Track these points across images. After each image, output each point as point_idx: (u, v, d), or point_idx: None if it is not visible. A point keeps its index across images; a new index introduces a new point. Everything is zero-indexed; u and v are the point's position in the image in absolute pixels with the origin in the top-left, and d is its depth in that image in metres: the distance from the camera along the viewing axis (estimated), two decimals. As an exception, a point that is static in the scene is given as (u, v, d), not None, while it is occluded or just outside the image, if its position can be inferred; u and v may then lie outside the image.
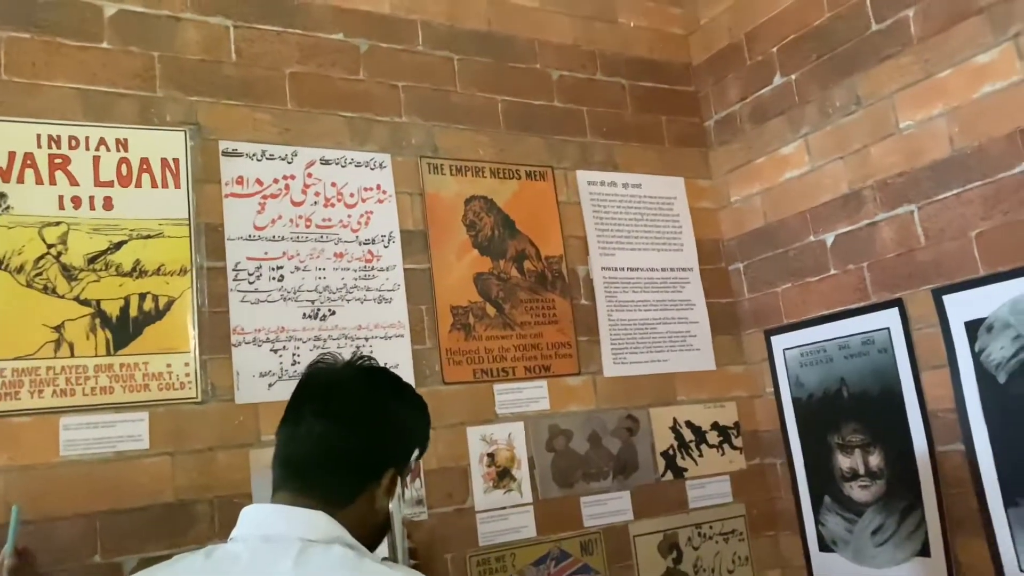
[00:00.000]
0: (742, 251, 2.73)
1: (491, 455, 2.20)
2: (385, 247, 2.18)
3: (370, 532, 1.17)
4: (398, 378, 1.31)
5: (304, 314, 2.04)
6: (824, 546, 2.45)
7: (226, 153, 2.04)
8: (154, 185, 1.93)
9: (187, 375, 1.87)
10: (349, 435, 1.17)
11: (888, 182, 2.26)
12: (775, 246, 2.61)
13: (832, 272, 2.43)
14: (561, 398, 2.33)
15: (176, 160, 1.96)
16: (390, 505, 1.22)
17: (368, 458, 1.18)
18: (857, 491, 2.35)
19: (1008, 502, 1.97)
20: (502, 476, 2.20)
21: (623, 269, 2.53)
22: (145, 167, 1.92)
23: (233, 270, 1.98)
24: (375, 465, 1.19)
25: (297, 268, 2.05)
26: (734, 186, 2.76)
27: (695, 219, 2.72)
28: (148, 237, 1.90)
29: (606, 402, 2.40)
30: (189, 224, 1.95)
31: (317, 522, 1.08)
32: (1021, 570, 1.95)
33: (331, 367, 1.25)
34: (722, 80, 2.80)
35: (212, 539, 1.74)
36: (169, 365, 1.86)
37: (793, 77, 2.55)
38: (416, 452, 1.28)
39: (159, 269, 1.89)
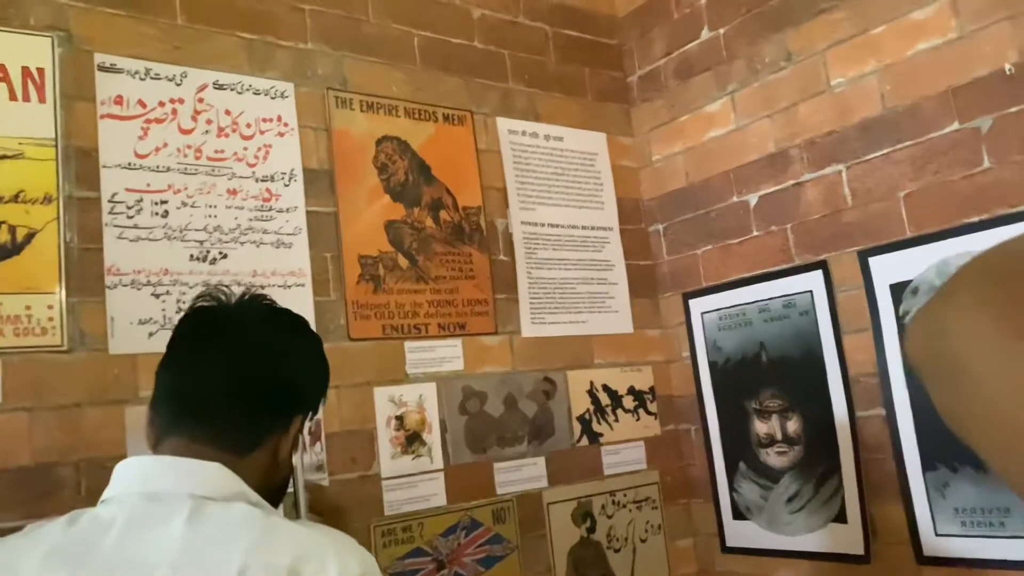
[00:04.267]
0: (662, 212, 2.64)
1: (400, 418, 2.03)
2: (285, 186, 1.96)
3: (271, 489, 0.99)
4: (301, 317, 1.15)
5: (191, 256, 1.80)
6: (738, 514, 2.40)
7: (103, 68, 1.77)
8: (12, 97, 1.64)
9: (50, 319, 1.61)
10: (257, 370, 1.00)
11: (816, 141, 2.21)
12: (696, 207, 2.53)
13: (755, 234, 2.37)
14: (476, 358, 2.17)
15: (41, 70, 1.68)
16: (295, 459, 1.05)
17: (277, 399, 1.01)
18: (774, 457, 2.30)
19: (927, 466, 1.95)
20: (411, 441, 2.03)
21: (544, 225, 2.39)
22: (1, 75, 1.64)
23: (109, 202, 1.72)
24: (283, 408, 1.02)
25: (184, 204, 1.81)
26: (656, 145, 2.66)
27: (616, 177, 2.61)
28: (4, 157, 1.61)
29: (523, 363, 2.26)
30: (56, 146, 1.67)
31: (213, 475, 0.90)
32: (937, 534, 1.93)
33: (225, 304, 1.08)
34: (647, 33, 2.69)
35: (77, 507, 1.50)
36: (28, 307, 1.59)
37: (721, 31, 2.46)
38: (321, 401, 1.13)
39: (17, 196, 1.62)
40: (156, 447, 0.97)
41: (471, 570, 2.05)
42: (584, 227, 2.49)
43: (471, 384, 2.15)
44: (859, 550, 2.08)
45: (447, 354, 2.12)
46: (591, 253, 2.48)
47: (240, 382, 0.99)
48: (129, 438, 1.64)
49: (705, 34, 2.51)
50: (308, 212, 1.98)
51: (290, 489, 1.16)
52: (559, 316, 2.36)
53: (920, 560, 1.96)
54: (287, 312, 1.15)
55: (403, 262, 2.11)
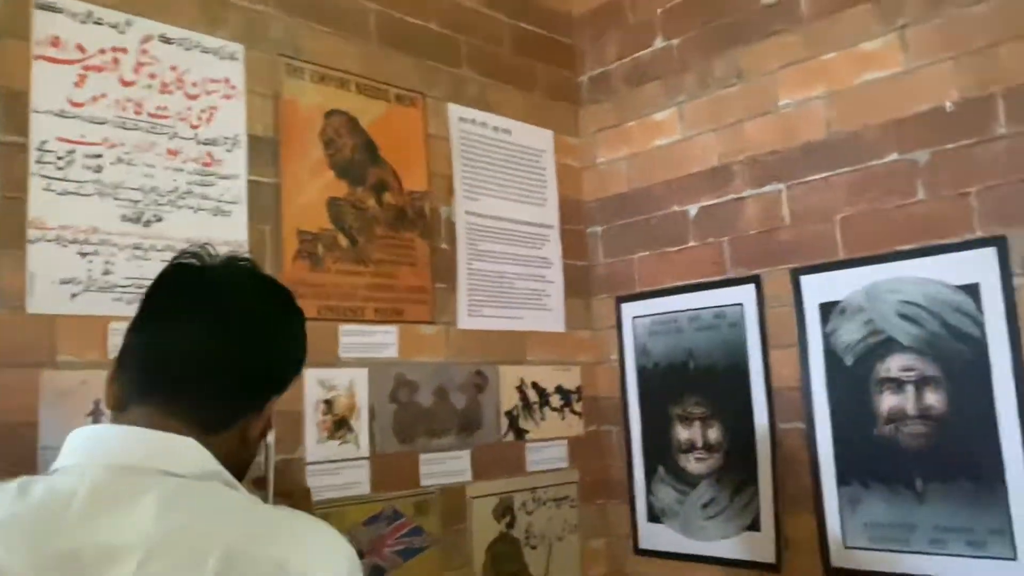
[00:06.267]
0: (602, 214, 2.65)
1: (328, 402, 1.96)
2: (228, 151, 1.87)
3: (237, 472, 0.92)
4: (287, 289, 1.06)
5: (124, 216, 1.69)
6: (653, 516, 2.44)
7: (41, 5, 1.64)
8: (-62, 26, 1.51)
9: (-37, 271, 1.48)
10: (244, 343, 0.92)
11: (759, 159, 2.26)
12: (636, 212, 2.55)
13: (691, 244, 2.40)
14: (411, 346, 2.13)
15: (-29, 0, 1.55)
16: (269, 439, 0.99)
17: (258, 376, 0.94)
18: (693, 463, 2.35)
19: (841, 480, 2.03)
20: (339, 426, 1.97)
21: (487, 216, 2.36)
22: (-73, 0, 1.50)
23: (38, 150, 1.60)
24: (262, 386, 0.95)
25: (120, 160, 1.70)
26: (601, 147, 2.67)
27: (560, 176, 2.61)
28: (-77, 90, 1.48)
29: (457, 355, 2.23)
30: (-18, 83, 1.54)
31: (187, 451, 0.83)
32: (846, 546, 2.01)
33: (210, 265, 0.99)
34: (601, 36, 2.69)
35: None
36: (-61, 256, 1.46)
37: (675, 42, 2.49)
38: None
39: (-65, 133, 1.48)
40: (117, 412, 0.88)
41: (390, 561, 2.01)
42: (526, 222, 2.48)
43: (404, 372, 2.10)
44: (771, 558, 2.15)
45: (382, 340, 2.07)
46: (531, 249, 2.47)
47: (224, 354, 0.91)
48: (43, 404, 1.52)
49: (659, 43, 2.53)
50: (249, 181, 1.89)
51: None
52: (495, 310, 2.33)
53: (828, 571, 2.04)
54: (275, 281, 1.06)
55: (343, 241, 2.04)
